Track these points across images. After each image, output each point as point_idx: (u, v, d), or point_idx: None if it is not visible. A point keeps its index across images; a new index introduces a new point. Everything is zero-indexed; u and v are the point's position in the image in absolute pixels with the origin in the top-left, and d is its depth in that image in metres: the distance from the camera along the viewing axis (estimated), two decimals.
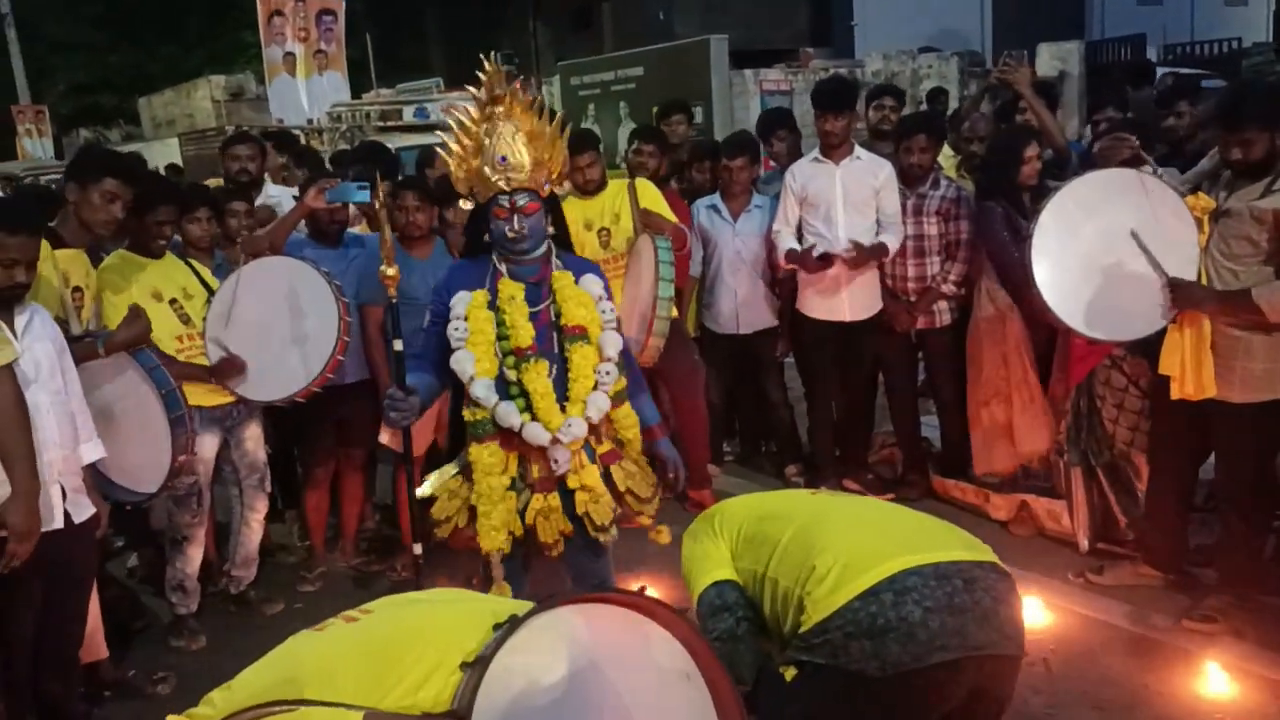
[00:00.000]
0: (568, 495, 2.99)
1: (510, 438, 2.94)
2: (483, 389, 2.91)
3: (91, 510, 3.25)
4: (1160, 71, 10.87)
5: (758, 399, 5.51)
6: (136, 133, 23.67)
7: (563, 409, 2.92)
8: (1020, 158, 4.49)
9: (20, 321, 3.05)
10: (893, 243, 4.72)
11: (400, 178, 5.28)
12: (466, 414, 2.98)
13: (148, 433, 3.54)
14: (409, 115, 9.29)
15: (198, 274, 4.17)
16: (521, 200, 2.90)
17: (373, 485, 5.14)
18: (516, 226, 2.89)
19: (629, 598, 1.90)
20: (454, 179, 3.07)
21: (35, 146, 24.29)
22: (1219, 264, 3.52)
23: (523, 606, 1.80)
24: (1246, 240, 3.44)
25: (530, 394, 2.91)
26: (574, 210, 4.77)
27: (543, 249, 3.01)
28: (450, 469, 3.09)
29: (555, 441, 2.91)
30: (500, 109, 2.94)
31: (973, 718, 2.15)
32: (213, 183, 6.08)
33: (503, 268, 2.99)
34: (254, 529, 4.35)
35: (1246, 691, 3.32)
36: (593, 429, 3.00)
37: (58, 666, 3.27)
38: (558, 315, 2.99)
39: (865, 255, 4.71)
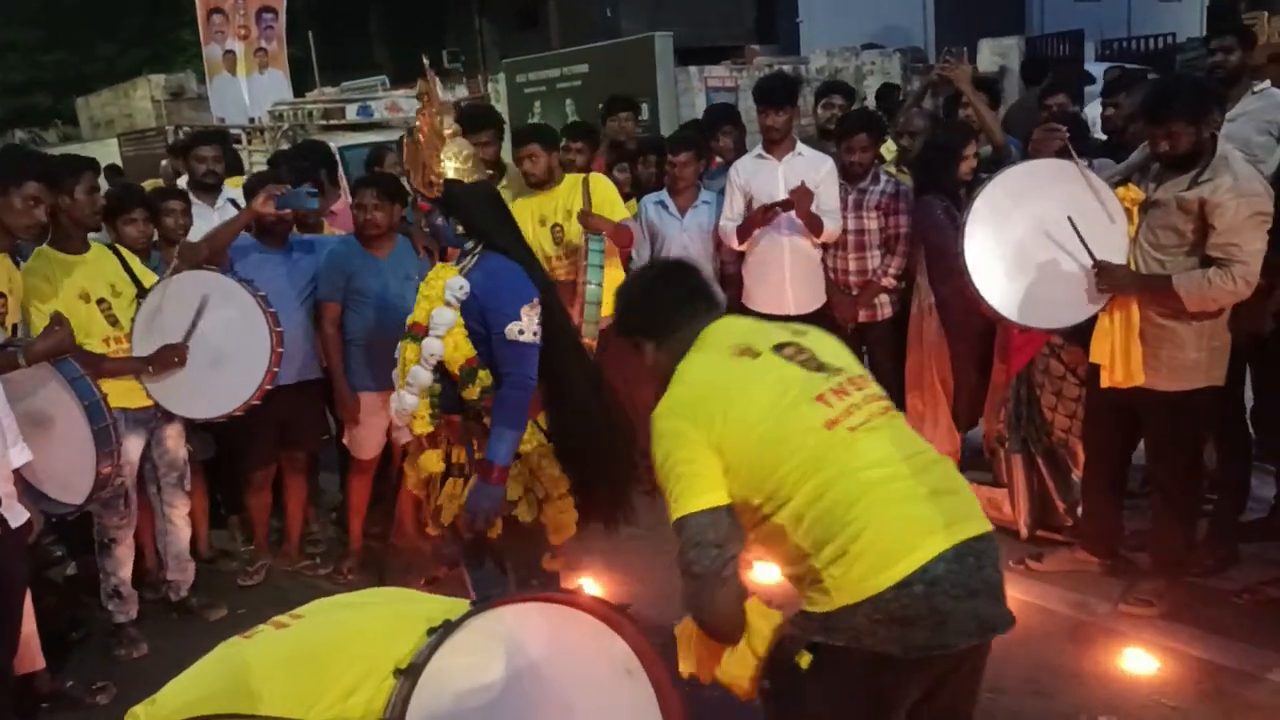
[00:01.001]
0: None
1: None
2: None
3: (25, 516, 3.18)
4: (1103, 67, 11.08)
5: None
6: (74, 133, 23.14)
7: None
8: (959, 155, 4.58)
9: None
10: (830, 225, 4.75)
11: (352, 177, 5.26)
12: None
13: (72, 444, 3.46)
14: (352, 114, 9.20)
15: (126, 265, 4.10)
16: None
17: (315, 487, 5.08)
18: (424, 224, 3.15)
19: (567, 596, 1.90)
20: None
21: None
22: (1147, 254, 3.60)
23: (458, 608, 1.79)
24: (1173, 231, 3.52)
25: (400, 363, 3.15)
26: (528, 206, 4.83)
27: (468, 247, 3.11)
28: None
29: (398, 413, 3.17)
30: (429, 113, 3.05)
31: (967, 678, 2.17)
32: (149, 184, 5.99)
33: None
34: (178, 526, 4.29)
35: (1181, 672, 3.40)
36: (469, 430, 3.11)
37: None
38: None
39: (806, 215, 4.67)
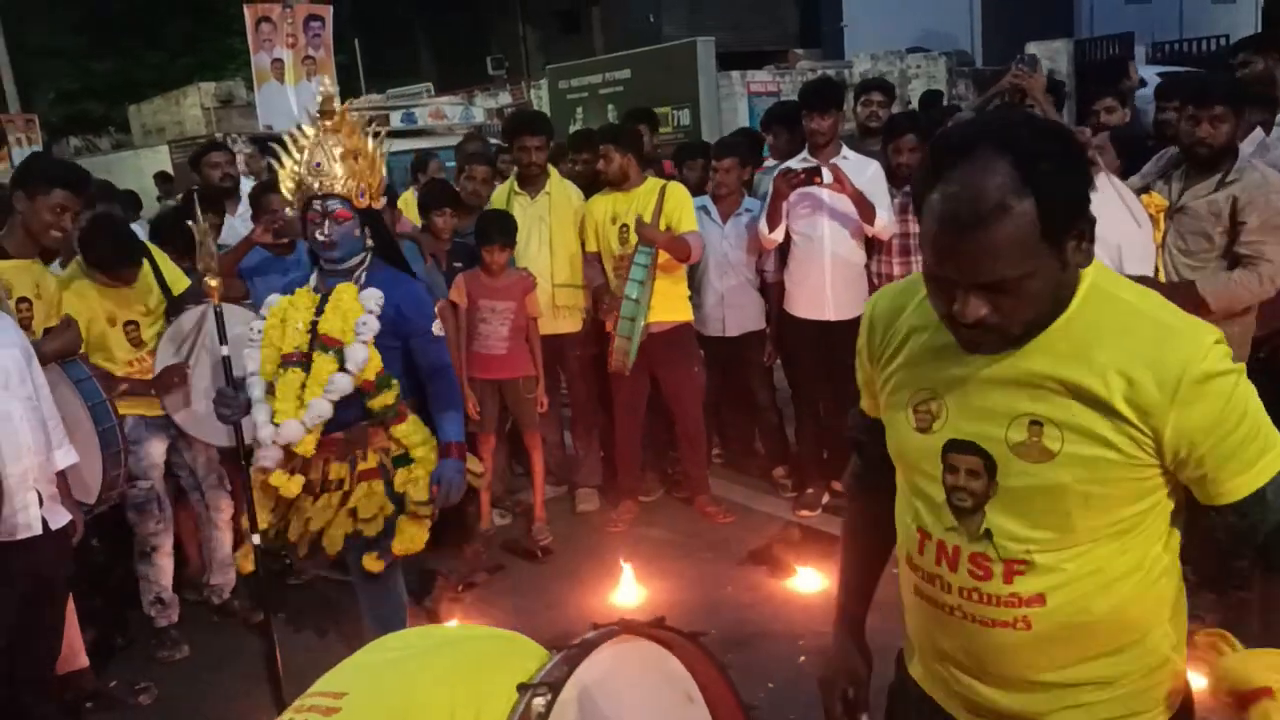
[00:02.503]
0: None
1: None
2: (253, 384, 3.19)
3: (67, 517, 3.22)
4: (1152, 71, 10.87)
5: (744, 401, 5.49)
6: (126, 140, 23.59)
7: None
8: None
9: None
10: (884, 215, 4.65)
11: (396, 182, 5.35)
12: None
13: (80, 445, 3.44)
14: (396, 120, 9.26)
15: (160, 278, 4.16)
16: (332, 205, 3.08)
17: None
18: (326, 231, 3.08)
19: (644, 627, 1.79)
20: (283, 188, 3.22)
21: (25, 155, 24.24)
22: (1177, 261, 3.59)
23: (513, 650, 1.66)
24: (1202, 236, 3.51)
25: (278, 395, 3.13)
26: (603, 202, 4.97)
27: (354, 260, 3.16)
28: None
29: (273, 441, 3.11)
30: (329, 123, 3.13)
31: None
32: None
33: (312, 277, 3.22)
34: (222, 530, 4.33)
35: None
36: (353, 443, 3.15)
37: (32, 677, 3.24)
38: (317, 324, 3.15)
39: (849, 187, 4.55)
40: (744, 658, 3.57)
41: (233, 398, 3.25)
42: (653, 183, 4.97)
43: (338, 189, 3.10)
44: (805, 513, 4.98)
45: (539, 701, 1.43)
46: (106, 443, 3.52)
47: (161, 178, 13.16)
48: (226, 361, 3.36)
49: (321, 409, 3.09)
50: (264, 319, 3.24)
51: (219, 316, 3.42)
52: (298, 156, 3.15)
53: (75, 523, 3.29)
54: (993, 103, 6.36)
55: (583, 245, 5.10)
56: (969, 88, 13.09)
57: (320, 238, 3.10)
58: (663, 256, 4.76)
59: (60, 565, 3.26)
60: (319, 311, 3.14)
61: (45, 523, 3.09)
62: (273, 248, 4.49)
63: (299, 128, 3.23)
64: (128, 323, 4.05)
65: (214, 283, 3.39)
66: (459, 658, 1.60)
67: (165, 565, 4.14)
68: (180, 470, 4.24)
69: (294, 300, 3.20)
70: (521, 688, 1.46)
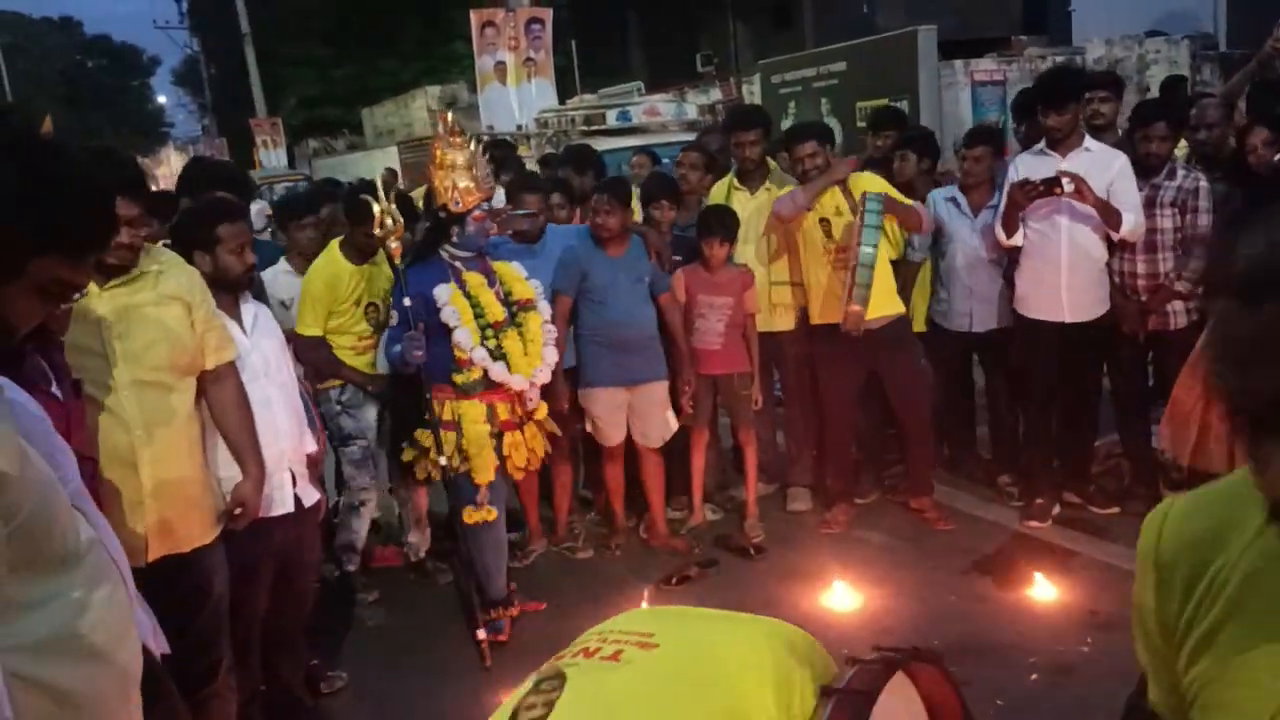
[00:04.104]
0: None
1: (485, 393, 3.91)
2: (481, 354, 3.86)
3: (317, 496, 3.44)
4: None
5: (970, 405, 5.26)
6: (360, 142, 25.17)
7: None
8: None
9: (247, 318, 3.24)
10: (1131, 218, 4.33)
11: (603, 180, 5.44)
12: (459, 378, 3.88)
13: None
14: (612, 119, 9.43)
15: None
16: (486, 206, 3.88)
17: (579, 474, 5.24)
18: (491, 225, 3.95)
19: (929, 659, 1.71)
20: (437, 196, 3.87)
21: (269, 156, 26.26)
22: None
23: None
24: None
25: (508, 354, 3.91)
26: None
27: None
28: (425, 433, 3.95)
29: (531, 385, 3.98)
30: (457, 140, 3.84)
31: None
32: (419, 192, 6.49)
33: (459, 265, 3.91)
34: (419, 492, 4.66)
35: None
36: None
37: (286, 644, 3.48)
38: (508, 293, 4.04)
39: (1092, 196, 4.27)
40: (970, 672, 3.41)
41: (419, 339, 3.78)
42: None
43: (490, 195, 3.97)
44: (1034, 524, 4.73)
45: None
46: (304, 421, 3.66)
47: (389, 172, 13.95)
48: (406, 311, 3.85)
49: (552, 355, 4.08)
50: (450, 306, 3.86)
51: (398, 274, 3.91)
52: (444, 166, 3.85)
53: (322, 502, 3.52)
54: (1246, 85, 5.83)
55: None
56: (1214, 73, 12.04)
57: (489, 233, 3.96)
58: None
59: (313, 540, 3.50)
60: (490, 286, 3.96)
61: (299, 500, 3.31)
62: (523, 237, 4.69)
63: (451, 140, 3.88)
64: (369, 304, 4.41)
65: (394, 245, 3.87)
66: (769, 632, 1.56)
67: (368, 517, 4.57)
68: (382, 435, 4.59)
69: (471, 283, 3.90)
70: (825, 690, 1.42)
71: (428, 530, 4.76)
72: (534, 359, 3.99)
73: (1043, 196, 4.33)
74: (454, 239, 3.92)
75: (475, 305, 3.90)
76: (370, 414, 4.50)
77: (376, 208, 3.88)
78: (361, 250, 4.38)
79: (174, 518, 2.80)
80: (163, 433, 2.78)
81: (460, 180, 3.81)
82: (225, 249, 3.16)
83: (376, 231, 3.90)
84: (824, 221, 4.78)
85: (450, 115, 4.04)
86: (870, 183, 4.71)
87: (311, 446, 3.47)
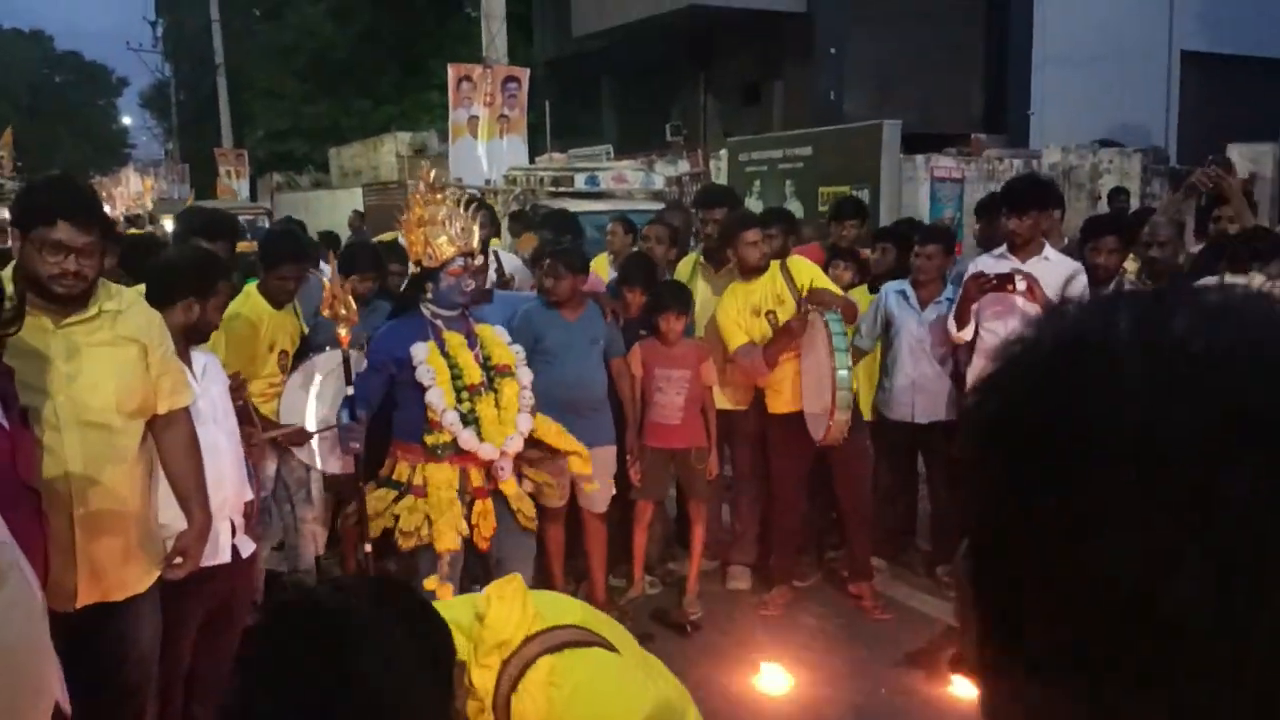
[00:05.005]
0: (499, 498, 3.82)
1: (456, 457, 3.71)
2: (452, 418, 3.68)
3: (253, 546, 3.39)
4: None
5: (913, 494, 5.34)
6: (324, 180, 25.12)
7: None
8: None
9: (198, 365, 3.22)
10: None
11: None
12: (429, 439, 3.70)
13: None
14: (580, 182, 9.55)
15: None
16: (470, 262, 3.70)
17: None
18: (468, 283, 3.71)
19: None
20: (409, 250, 3.80)
21: (233, 187, 26.12)
22: None
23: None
24: None
25: (481, 419, 3.71)
26: (739, 298, 4.87)
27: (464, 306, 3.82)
28: (384, 491, 3.76)
29: (502, 454, 3.74)
30: (440, 196, 3.72)
31: None
32: (388, 236, 6.55)
33: (439, 323, 3.76)
34: (307, 540, 4.69)
35: None
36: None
37: (210, 698, 3.39)
38: (488, 357, 3.85)
39: (1042, 296, 4.33)
40: None
41: (358, 430, 3.68)
42: (772, 265, 4.90)
43: (474, 249, 3.77)
44: None
45: None
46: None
47: (356, 214, 13.94)
48: (350, 399, 3.75)
49: (526, 422, 3.85)
50: (425, 365, 3.71)
51: (347, 361, 3.79)
52: (415, 220, 3.72)
53: (258, 553, 3.47)
54: (1183, 204, 6.09)
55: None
56: (1163, 186, 12.54)
57: (466, 288, 3.74)
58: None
59: (248, 591, 3.44)
60: (470, 348, 3.80)
61: (236, 551, 3.26)
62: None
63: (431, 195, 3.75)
64: (282, 351, 4.44)
65: (343, 331, 3.75)
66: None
67: (261, 569, 4.42)
68: (277, 485, 4.58)
69: (450, 343, 3.75)
70: None
71: (313, 579, 4.71)
72: (507, 426, 3.78)
73: (996, 290, 4.45)
74: (429, 294, 3.78)
75: (453, 366, 3.75)
76: (270, 466, 4.44)
77: (326, 284, 3.78)
78: (278, 295, 4.42)
79: (107, 565, 2.74)
80: (103, 476, 2.72)
81: (435, 235, 3.72)
82: (216, 304, 3.17)
83: (324, 312, 3.79)
84: (770, 314, 4.83)
85: (433, 171, 3.92)
86: (806, 269, 4.83)
87: (249, 494, 3.43)
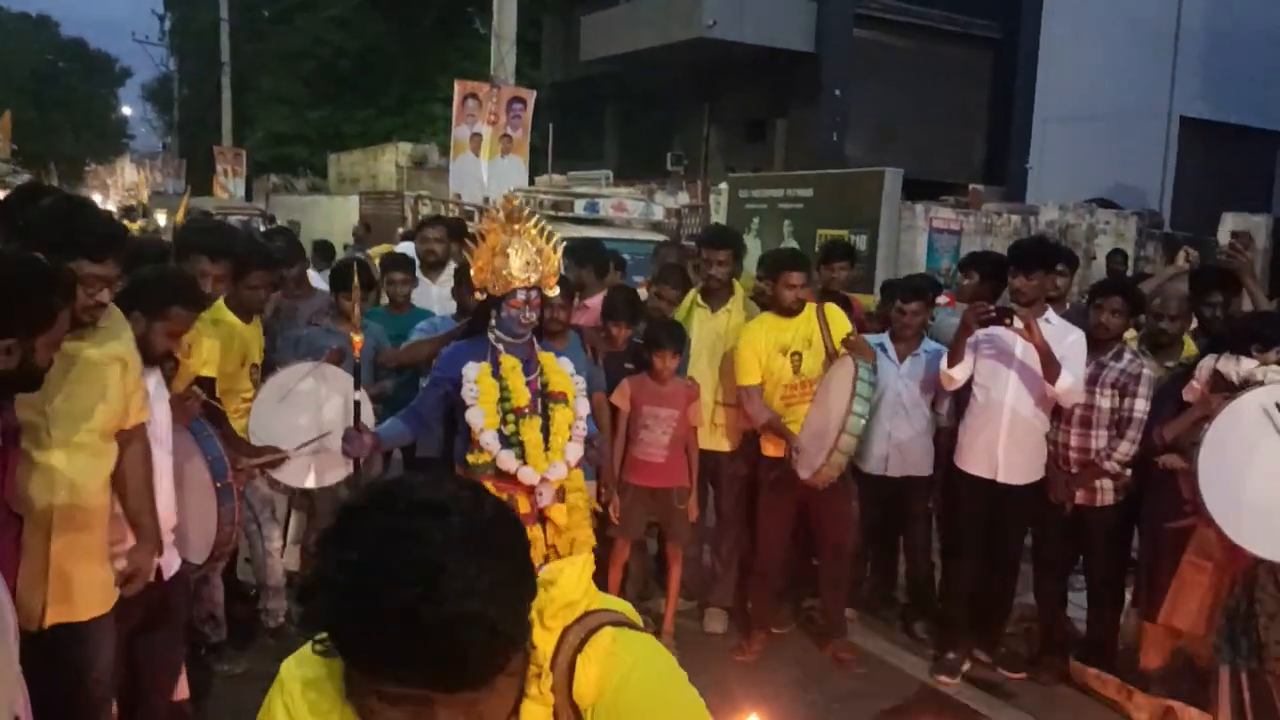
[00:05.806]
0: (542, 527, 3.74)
1: (500, 480, 3.61)
2: (490, 438, 3.64)
3: (179, 563, 3.32)
4: None
5: (893, 547, 5.30)
6: (322, 185, 25.08)
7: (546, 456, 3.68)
8: None
9: (150, 383, 3.11)
10: (1069, 378, 4.38)
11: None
12: (470, 458, 3.68)
13: (199, 501, 3.51)
14: (580, 208, 9.52)
15: None
16: (535, 295, 3.64)
17: None
18: (529, 315, 3.66)
19: None
20: (474, 276, 3.70)
21: (229, 186, 26.05)
22: None
23: None
24: None
25: (524, 444, 3.66)
26: (770, 332, 4.84)
27: (530, 334, 3.78)
28: None
29: (544, 480, 3.66)
30: (518, 226, 3.62)
31: None
32: (384, 248, 6.57)
33: (500, 346, 3.72)
34: (275, 557, 4.62)
35: None
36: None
37: (149, 713, 3.31)
38: (545, 384, 3.78)
39: (1039, 337, 4.31)
40: None
41: (358, 438, 3.61)
42: (807, 308, 4.89)
43: (540, 283, 3.66)
44: (944, 679, 4.73)
45: None
46: (222, 498, 3.53)
47: (363, 229, 13.79)
48: (356, 405, 3.72)
49: (575, 451, 3.73)
50: (472, 383, 3.68)
51: (357, 370, 3.78)
52: (487, 249, 3.64)
53: (185, 572, 3.39)
54: (1176, 278, 6.13)
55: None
56: (1158, 250, 12.64)
57: (524, 320, 3.67)
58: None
59: (178, 609, 3.36)
60: (527, 373, 3.73)
61: (160, 570, 3.15)
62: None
63: (482, 220, 3.67)
64: (253, 365, 4.36)
65: (357, 339, 3.72)
66: None
67: (219, 585, 4.37)
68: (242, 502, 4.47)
69: (504, 365, 3.70)
70: None
71: (283, 597, 4.68)
72: (554, 453, 3.68)
73: (993, 323, 4.40)
74: (492, 321, 3.73)
75: (504, 388, 3.68)
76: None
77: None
78: (247, 307, 4.33)
79: (76, 585, 2.68)
80: (83, 496, 2.68)
81: (502, 266, 3.60)
82: (163, 328, 3.10)
83: (340, 326, 3.78)
84: (795, 355, 4.80)
85: (518, 199, 3.80)
86: (842, 320, 4.83)
87: (175, 518, 3.34)
